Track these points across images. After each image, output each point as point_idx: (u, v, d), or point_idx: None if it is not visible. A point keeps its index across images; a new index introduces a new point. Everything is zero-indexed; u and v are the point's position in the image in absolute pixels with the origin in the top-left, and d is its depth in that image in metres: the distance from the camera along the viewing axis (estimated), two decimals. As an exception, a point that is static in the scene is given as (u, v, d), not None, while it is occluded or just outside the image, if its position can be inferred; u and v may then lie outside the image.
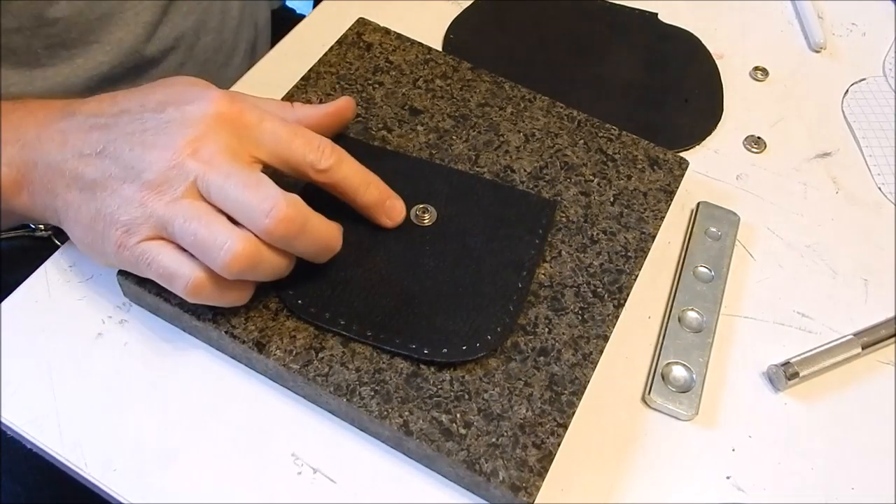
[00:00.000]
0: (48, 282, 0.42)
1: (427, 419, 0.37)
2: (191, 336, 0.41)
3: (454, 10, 0.60)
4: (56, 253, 0.43)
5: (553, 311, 0.42)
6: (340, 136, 0.47)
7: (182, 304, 0.39)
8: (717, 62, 0.60)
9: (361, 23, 0.54)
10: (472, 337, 0.40)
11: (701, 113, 0.56)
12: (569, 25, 0.61)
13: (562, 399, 0.39)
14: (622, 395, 0.42)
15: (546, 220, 0.45)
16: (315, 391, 0.39)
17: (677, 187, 0.48)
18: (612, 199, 0.47)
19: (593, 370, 0.40)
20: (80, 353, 0.40)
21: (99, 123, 0.39)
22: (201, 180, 0.37)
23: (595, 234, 0.45)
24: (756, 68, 0.60)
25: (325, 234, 0.38)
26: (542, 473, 0.37)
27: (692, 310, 0.45)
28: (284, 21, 0.69)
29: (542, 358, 0.40)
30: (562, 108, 0.51)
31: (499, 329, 0.40)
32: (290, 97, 0.49)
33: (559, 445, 0.37)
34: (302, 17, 0.67)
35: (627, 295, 0.43)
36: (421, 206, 0.44)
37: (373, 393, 0.38)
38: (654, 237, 0.46)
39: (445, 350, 0.39)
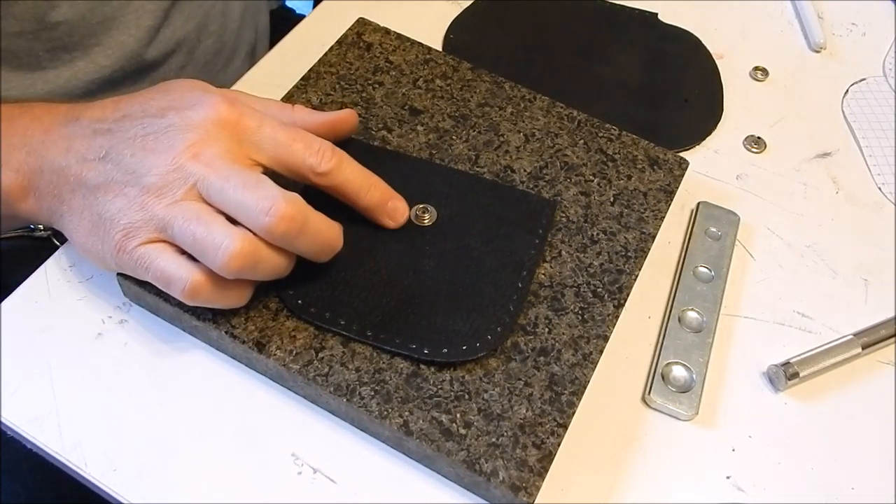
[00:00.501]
0: (48, 282, 0.42)
1: (427, 419, 0.37)
2: (191, 336, 0.41)
3: (454, 10, 0.60)
4: (56, 253, 0.43)
5: (553, 311, 0.42)
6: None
7: (182, 305, 0.39)
8: (717, 62, 0.60)
9: (361, 23, 0.54)
10: (472, 337, 0.40)
11: (701, 113, 0.56)
12: (569, 25, 0.61)
13: (562, 399, 0.39)
14: (622, 395, 0.42)
15: (546, 220, 0.45)
16: (315, 391, 0.39)
17: (677, 187, 0.48)
18: (612, 199, 0.47)
19: (593, 370, 0.40)
20: (80, 353, 0.40)
21: (102, 129, 0.39)
22: (202, 183, 0.37)
23: (595, 234, 0.45)
24: (756, 68, 0.60)
25: (325, 233, 0.38)
26: (542, 473, 0.37)
27: (692, 310, 0.45)
28: (284, 21, 0.69)
29: (542, 358, 0.40)
30: (562, 108, 0.51)
31: (499, 329, 0.40)
32: (290, 97, 0.49)
33: (559, 445, 0.37)
34: (302, 17, 0.67)
35: (627, 295, 0.43)
36: (421, 206, 0.44)
37: (373, 393, 0.38)
38: (654, 237, 0.46)
39: (445, 350, 0.39)
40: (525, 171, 0.48)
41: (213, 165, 0.37)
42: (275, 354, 0.39)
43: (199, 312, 0.39)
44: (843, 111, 0.58)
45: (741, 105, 0.57)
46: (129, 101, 0.40)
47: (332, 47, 0.52)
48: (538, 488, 0.36)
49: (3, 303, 0.41)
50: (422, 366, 0.39)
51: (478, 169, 0.47)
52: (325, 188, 0.40)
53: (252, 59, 0.67)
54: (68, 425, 0.38)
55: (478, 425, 0.37)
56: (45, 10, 0.49)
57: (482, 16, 0.60)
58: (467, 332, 0.40)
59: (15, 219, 0.42)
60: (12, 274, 0.45)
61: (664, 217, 0.47)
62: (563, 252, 0.44)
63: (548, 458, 0.37)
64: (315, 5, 0.62)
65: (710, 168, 0.53)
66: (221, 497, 0.37)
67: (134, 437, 0.38)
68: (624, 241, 0.45)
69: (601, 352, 0.41)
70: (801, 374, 0.43)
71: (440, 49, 0.56)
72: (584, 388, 0.39)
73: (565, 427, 0.38)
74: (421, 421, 0.37)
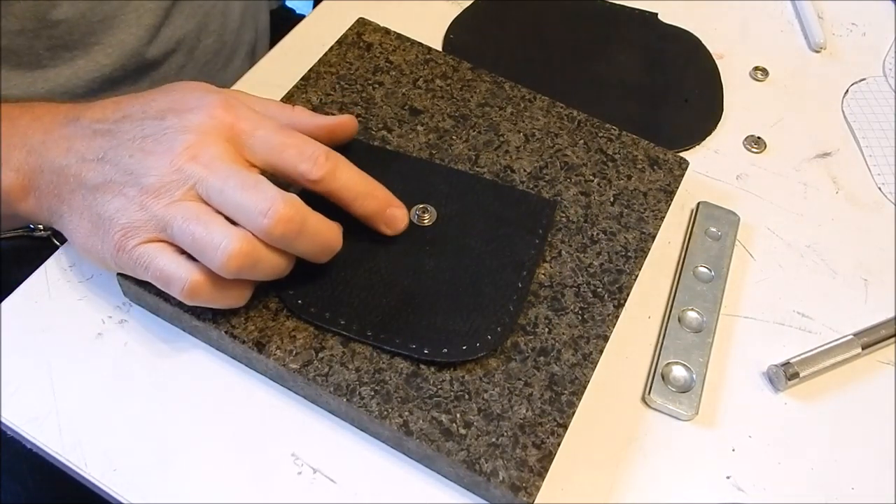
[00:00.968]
0: (48, 282, 0.42)
1: (427, 419, 0.37)
2: (191, 336, 0.41)
3: (454, 10, 0.60)
4: (56, 253, 0.43)
5: (553, 311, 0.42)
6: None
7: (182, 304, 0.39)
8: (717, 62, 0.60)
9: (361, 23, 0.54)
10: (472, 337, 0.40)
11: (701, 113, 0.56)
12: (569, 25, 0.61)
13: (562, 399, 0.39)
14: (622, 395, 0.42)
15: (546, 220, 0.45)
16: (315, 391, 0.39)
17: (677, 187, 0.48)
18: (612, 199, 0.47)
19: (593, 370, 0.40)
20: (80, 353, 0.40)
21: (102, 129, 0.39)
22: (201, 184, 0.37)
23: (595, 234, 0.45)
24: (756, 68, 0.60)
25: (324, 233, 0.38)
26: (542, 473, 0.37)
27: (692, 310, 0.45)
28: (284, 21, 0.69)
29: (542, 358, 0.40)
30: (562, 108, 0.51)
31: (499, 329, 0.40)
32: (290, 97, 0.49)
33: (559, 445, 0.37)
34: (302, 17, 0.67)
35: (627, 295, 0.43)
36: (421, 206, 0.44)
37: (373, 393, 0.38)
38: (654, 237, 0.46)
39: (445, 350, 0.39)
40: (525, 171, 0.48)
41: (212, 167, 0.37)
42: (275, 354, 0.39)
43: (199, 312, 0.39)
44: (843, 111, 0.58)
45: (741, 105, 0.57)
46: (130, 102, 0.40)
47: (332, 47, 0.52)
48: (538, 488, 0.36)
49: (3, 303, 0.41)
50: (422, 366, 0.39)
51: (478, 169, 0.47)
52: (321, 194, 0.40)
53: (252, 58, 0.68)
54: (68, 425, 0.38)
55: (478, 425, 0.37)
56: (46, 9, 0.49)
57: (482, 16, 0.60)
58: (467, 332, 0.40)
59: (15, 218, 0.42)
60: (12, 274, 0.45)
61: (664, 217, 0.47)
62: (563, 252, 0.44)
63: (548, 458, 0.37)
64: (315, 5, 0.62)
65: (710, 168, 0.53)
66: (221, 497, 0.37)
67: (134, 437, 0.38)
68: (624, 241, 0.45)
69: (601, 352, 0.41)
70: (801, 374, 0.43)
71: (440, 49, 0.56)
72: (584, 388, 0.39)
73: (565, 427, 0.38)
74: (421, 421, 0.37)
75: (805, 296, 0.48)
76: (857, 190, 0.54)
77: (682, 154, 0.52)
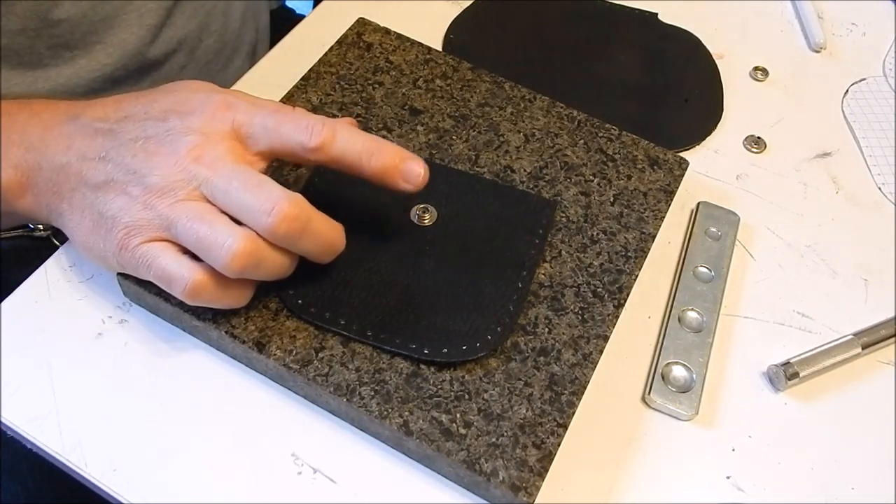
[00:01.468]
0: (48, 282, 0.42)
1: (427, 419, 0.37)
2: (191, 336, 0.41)
3: (454, 10, 0.60)
4: (56, 253, 0.43)
5: (553, 311, 0.42)
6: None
7: (182, 304, 0.39)
8: (717, 62, 0.60)
9: (361, 23, 0.54)
10: (472, 337, 0.40)
11: (701, 113, 0.56)
12: (569, 25, 0.61)
13: (562, 399, 0.39)
14: (622, 395, 0.42)
15: (546, 220, 0.45)
16: (315, 391, 0.39)
17: (677, 187, 0.48)
18: (612, 199, 0.47)
19: (593, 370, 0.40)
20: (80, 353, 0.40)
21: (103, 129, 0.39)
22: (206, 184, 0.37)
23: (595, 234, 0.45)
24: (756, 68, 0.60)
25: (327, 233, 0.38)
26: (542, 473, 0.37)
27: (692, 310, 0.45)
28: (284, 21, 0.69)
29: (542, 358, 0.40)
30: (562, 108, 0.51)
31: (499, 329, 0.40)
32: (290, 97, 0.49)
33: (559, 445, 0.37)
34: (302, 17, 0.67)
35: (627, 295, 0.43)
36: (421, 206, 0.44)
37: (373, 393, 0.38)
38: (654, 237, 0.46)
39: (445, 350, 0.39)
40: (525, 171, 0.48)
41: (215, 167, 0.37)
42: (275, 354, 0.39)
43: (199, 312, 0.39)
44: (843, 111, 0.58)
45: (741, 105, 0.57)
46: (132, 102, 0.40)
47: (332, 47, 0.52)
48: (538, 488, 0.36)
49: (3, 303, 0.41)
50: (422, 366, 0.39)
51: (478, 169, 0.47)
52: (326, 164, 0.39)
53: (253, 58, 0.67)
54: (68, 425, 0.38)
55: (478, 425, 0.37)
56: (48, 8, 0.49)
57: (482, 16, 0.60)
58: (467, 332, 0.40)
59: (13, 216, 0.42)
60: (12, 274, 0.45)
61: (664, 217, 0.47)
62: (563, 252, 0.44)
63: (548, 458, 0.37)
64: (315, 5, 0.62)
65: (710, 168, 0.53)
66: (221, 497, 0.37)
67: (134, 437, 0.38)
68: (624, 241, 0.45)
69: (601, 352, 0.41)
70: (801, 374, 0.43)
71: (440, 49, 0.56)
72: (584, 388, 0.39)
73: (565, 427, 0.38)
74: (421, 421, 0.37)
75: (805, 296, 0.48)
76: (857, 190, 0.54)
77: (682, 154, 0.52)
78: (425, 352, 0.39)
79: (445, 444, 0.37)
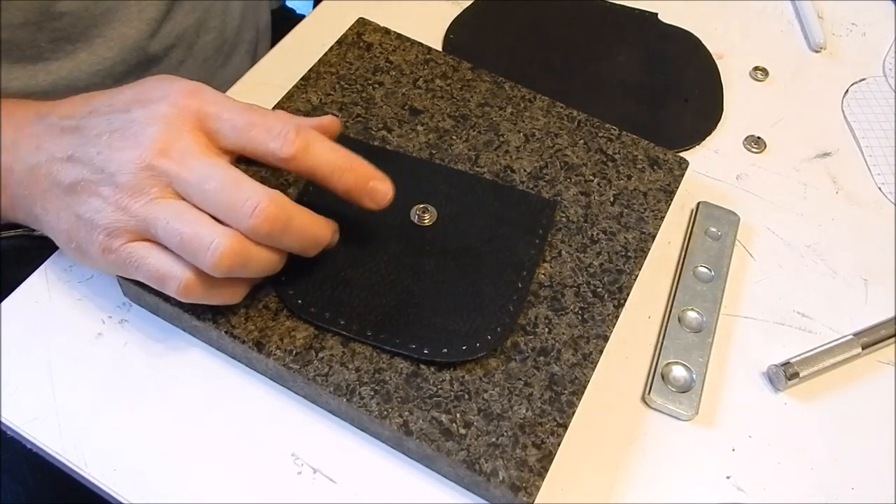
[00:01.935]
0: (48, 282, 0.42)
1: (427, 419, 0.37)
2: (191, 336, 0.41)
3: (454, 10, 0.60)
4: (56, 253, 0.43)
5: (553, 311, 0.42)
6: (340, 137, 0.47)
7: (182, 304, 0.39)
8: (717, 62, 0.60)
9: (361, 23, 0.54)
10: (471, 337, 0.40)
11: (701, 113, 0.56)
12: (569, 25, 0.61)
13: (562, 399, 0.39)
14: (622, 395, 0.42)
15: (546, 220, 0.45)
16: (315, 391, 0.39)
17: (677, 187, 0.48)
18: (612, 199, 0.47)
19: (593, 370, 0.40)
20: (80, 353, 0.40)
21: (69, 126, 0.38)
22: (177, 182, 0.36)
23: (595, 234, 0.45)
24: (756, 68, 0.60)
25: (310, 228, 0.38)
26: (542, 473, 0.37)
27: (692, 310, 0.45)
28: (284, 21, 0.69)
29: (542, 358, 0.40)
30: (562, 108, 0.51)
31: (499, 329, 0.40)
32: (290, 97, 0.49)
33: (559, 445, 0.37)
34: (302, 17, 0.67)
35: (627, 295, 0.43)
36: (421, 206, 0.44)
37: (373, 393, 0.38)
38: (654, 237, 0.46)
39: (445, 350, 0.39)
40: (525, 171, 0.48)
41: (185, 163, 0.36)
42: (275, 354, 0.39)
43: (199, 312, 0.39)
44: (843, 111, 0.58)
45: (741, 105, 0.57)
46: (98, 97, 0.39)
47: (332, 47, 0.52)
48: (538, 488, 0.36)
49: (3, 303, 0.41)
50: (422, 366, 0.39)
51: (478, 169, 0.47)
52: (296, 173, 0.39)
53: (253, 57, 0.67)
54: (68, 425, 0.38)
55: (478, 425, 0.37)
56: (50, 1, 0.49)
57: (482, 16, 0.60)
58: (467, 333, 0.40)
59: None
60: (12, 274, 0.45)
61: (664, 217, 0.47)
62: (563, 252, 0.44)
63: (548, 458, 0.37)
64: (315, 5, 0.62)
65: (710, 168, 0.53)
66: (221, 497, 0.37)
67: (134, 437, 0.38)
68: (624, 241, 0.45)
69: (601, 352, 0.41)
70: (801, 374, 0.43)
71: (440, 49, 0.56)
72: (584, 388, 0.39)
73: (565, 427, 0.38)
74: (421, 421, 0.37)
75: (805, 296, 0.48)
76: (857, 190, 0.54)
77: (682, 154, 0.52)
78: (425, 352, 0.39)
79: (445, 444, 0.37)
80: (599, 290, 0.43)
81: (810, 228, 0.51)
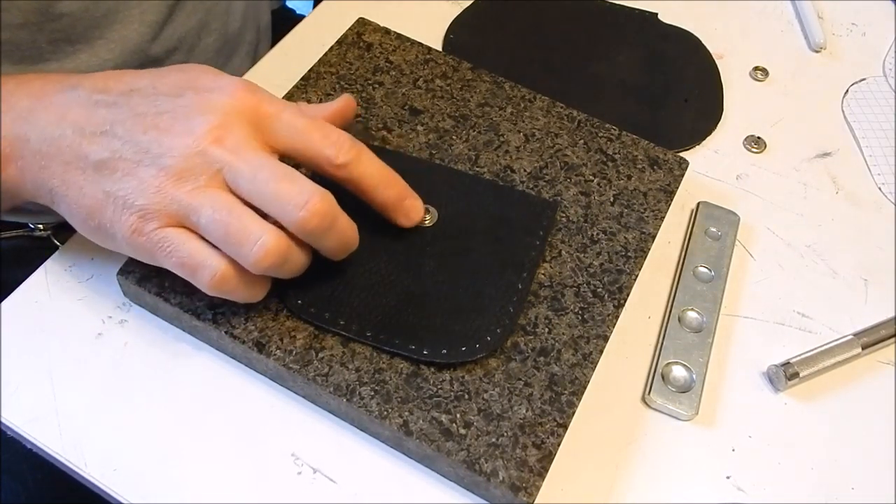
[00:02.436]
0: (48, 282, 0.42)
1: (427, 419, 0.37)
2: (190, 336, 0.41)
3: (454, 10, 0.60)
4: (56, 253, 0.43)
5: (553, 311, 0.42)
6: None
7: (182, 304, 0.39)
8: (717, 62, 0.60)
9: (361, 23, 0.54)
10: (471, 338, 0.40)
11: (701, 113, 0.56)
12: (569, 25, 0.61)
13: (562, 399, 0.39)
14: (622, 395, 0.42)
15: (547, 221, 0.45)
16: (315, 391, 0.39)
17: (677, 187, 0.48)
18: (612, 199, 0.47)
19: (593, 370, 0.40)
20: (80, 353, 0.40)
21: (105, 101, 0.37)
22: (229, 171, 0.36)
23: (595, 234, 0.45)
24: (756, 68, 0.60)
25: (349, 231, 0.38)
26: (542, 473, 0.37)
27: (692, 310, 0.45)
28: (284, 21, 0.69)
29: (542, 358, 0.40)
30: (562, 108, 0.51)
31: (498, 330, 0.40)
32: (290, 97, 0.49)
33: (559, 445, 0.37)
34: (302, 17, 0.67)
35: (627, 295, 0.43)
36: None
37: (373, 393, 0.38)
38: (654, 237, 0.46)
39: (445, 351, 0.39)
40: (525, 171, 0.48)
41: (240, 153, 0.36)
42: (275, 354, 0.39)
43: (199, 312, 0.39)
44: (843, 111, 0.58)
45: (741, 105, 0.57)
46: (137, 76, 0.38)
47: (332, 47, 0.52)
48: (538, 488, 0.36)
49: (3, 303, 0.41)
50: (422, 366, 0.39)
51: (478, 169, 0.47)
52: (342, 181, 0.39)
53: (253, 58, 0.67)
54: (68, 425, 0.38)
55: (478, 425, 0.37)
56: (50, 1, 0.49)
57: (482, 16, 0.60)
58: (467, 333, 0.40)
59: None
60: (12, 274, 0.45)
61: (664, 217, 0.47)
62: (563, 252, 0.44)
63: (548, 458, 0.37)
64: (315, 5, 0.62)
65: (710, 168, 0.53)
66: (221, 497, 0.37)
67: (134, 437, 0.38)
68: (624, 241, 0.45)
69: (601, 352, 0.41)
70: (801, 374, 0.43)
71: (440, 49, 0.56)
72: (584, 388, 0.39)
73: (565, 427, 0.38)
74: (421, 421, 0.37)
75: (805, 296, 0.48)
76: (857, 190, 0.54)
77: (682, 154, 0.52)
78: (425, 352, 0.39)
79: (445, 444, 0.37)
80: (599, 290, 0.43)
81: (810, 228, 0.51)
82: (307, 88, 0.50)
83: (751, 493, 0.40)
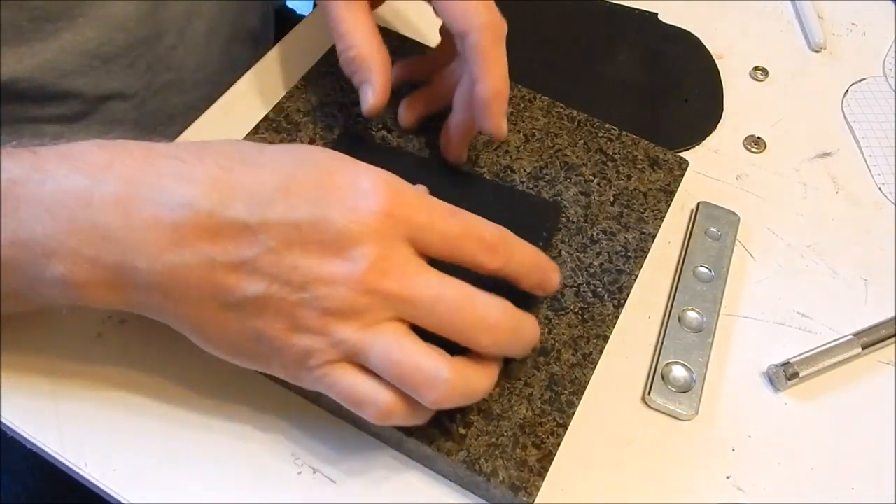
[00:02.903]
0: (48, 282, 0.42)
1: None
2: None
3: (454, 10, 0.60)
4: (56, 253, 0.43)
5: (553, 311, 0.42)
6: (342, 135, 0.47)
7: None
8: (717, 62, 0.60)
9: (361, 23, 0.54)
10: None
11: (701, 113, 0.56)
12: (569, 25, 0.61)
13: (562, 399, 0.39)
14: (622, 395, 0.42)
15: (550, 223, 0.45)
16: (315, 391, 0.39)
17: (677, 187, 0.48)
18: (612, 199, 0.47)
19: (593, 370, 0.40)
20: (80, 353, 0.40)
21: (236, 223, 0.32)
22: (399, 303, 0.33)
23: (595, 234, 0.45)
24: (756, 68, 0.60)
25: (533, 328, 0.36)
26: (542, 473, 0.37)
27: (692, 310, 0.45)
28: (284, 21, 0.69)
29: (542, 358, 0.40)
30: (562, 108, 0.51)
31: (499, 329, 0.40)
32: (290, 97, 0.49)
33: (559, 445, 0.37)
34: (302, 17, 0.67)
35: (627, 295, 0.43)
36: (421, 206, 0.44)
37: (373, 393, 0.38)
38: (654, 237, 0.46)
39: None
40: (525, 171, 0.48)
41: (408, 283, 0.33)
42: (275, 354, 0.39)
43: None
44: (843, 111, 0.58)
45: (741, 105, 0.57)
46: (252, 186, 0.32)
47: (332, 47, 0.52)
48: (538, 488, 0.36)
49: (3, 303, 0.41)
50: (422, 366, 0.39)
51: (478, 169, 0.47)
52: (492, 275, 0.36)
53: (255, 48, 0.66)
54: (68, 425, 0.38)
55: (477, 425, 0.37)
56: None
57: (482, 16, 0.60)
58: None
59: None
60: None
61: (664, 217, 0.47)
62: (563, 252, 0.44)
63: (548, 458, 0.37)
64: (315, 5, 0.61)
65: (710, 168, 0.53)
66: (221, 497, 0.37)
67: (134, 437, 0.38)
68: (624, 241, 0.45)
69: (601, 352, 0.41)
70: (801, 374, 0.43)
71: (440, 49, 0.55)
72: (584, 388, 0.39)
73: (565, 427, 0.38)
74: (421, 421, 0.37)
75: (805, 296, 0.48)
76: (857, 190, 0.54)
77: (682, 154, 0.52)
78: (425, 352, 0.39)
79: (445, 444, 0.37)
80: (599, 290, 0.43)
81: (810, 228, 0.51)
82: (307, 88, 0.50)
83: (751, 492, 0.40)
